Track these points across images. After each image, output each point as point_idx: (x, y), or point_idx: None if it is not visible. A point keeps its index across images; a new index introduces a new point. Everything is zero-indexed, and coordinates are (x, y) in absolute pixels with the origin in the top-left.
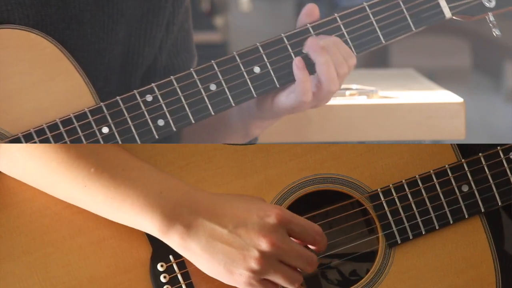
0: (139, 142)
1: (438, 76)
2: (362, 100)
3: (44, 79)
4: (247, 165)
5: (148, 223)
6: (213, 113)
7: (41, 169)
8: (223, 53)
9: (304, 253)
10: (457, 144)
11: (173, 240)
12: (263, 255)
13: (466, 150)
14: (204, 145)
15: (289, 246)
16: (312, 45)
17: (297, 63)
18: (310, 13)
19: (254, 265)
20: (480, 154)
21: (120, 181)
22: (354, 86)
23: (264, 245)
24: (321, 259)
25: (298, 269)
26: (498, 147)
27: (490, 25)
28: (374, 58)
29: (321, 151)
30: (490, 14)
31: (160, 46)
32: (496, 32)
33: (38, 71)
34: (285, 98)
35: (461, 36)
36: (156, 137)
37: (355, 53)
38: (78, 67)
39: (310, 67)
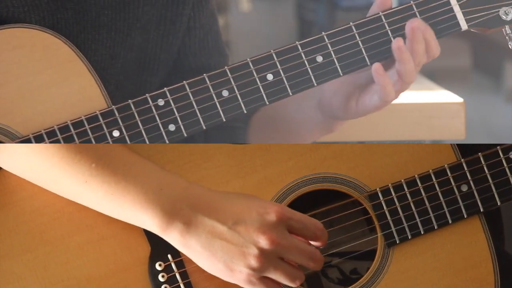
0: None
1: (438, 76)
2: None
3: (57, 79)
4: (246, 164)
5: (148, 219)
6: (224, 119)
7: (42, 165)
8: None
9: (305, 249)
10: (457, 144)
11: (173, 237)
12: (263, 253)
13: (466, 150)
14: (203, 144)
15: (289, 242)
16: (398, 48)
17: (377, 70)
18: (383, 2)
19: (253, 262)
20: (479, 153)
21: (120, 177)
22: None
23: (263, 242)
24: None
25: (301, 266)
26: (498, 147)
27: (507, 37)
28: None
29: (321, 150)
30: (507, 26)
31: (183, 50)
32: None
33: (51, 71)
34: (368, 100)
35: (461, 36)
36: (167, 142)
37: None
38: (91, 69)
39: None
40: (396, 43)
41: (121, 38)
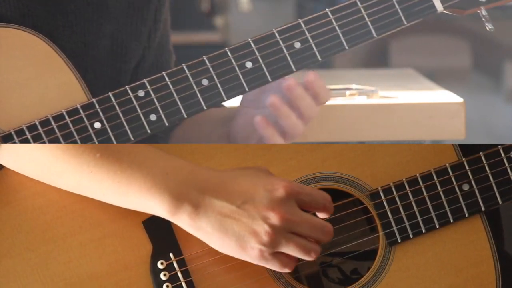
0: (131, 137)
1: (438, 76)
2: (362, 100)
3: (36, 76)
4: (248, 163)
5: (156, 205)
6: (205, 108)
7: (46, 159)
8: None
9: (317, 223)
10: (458, 144)
11: (183, 220)
12: (273, 228)
13: (467, 150)
14: (205, 144)
15: (299, 217)
16: (273, 104)
17: (259, 124)
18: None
19: (264, 238)
20: (480, 153)
21: (126, 165)
22: (354, 86)
23: (273, 218)
24: (322, 257)
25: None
26: (499, 146)
27: (483, 19)
28: (374, 58)
29: (322, 150)
30: (482, 8)
31: (148, 44)
32: (489, 26)
33: (30, 68)
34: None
35: (461, 36)
36: (149, 131)
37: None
38: (69, 64)
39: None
40: (269, 100)
41: (91, 26)
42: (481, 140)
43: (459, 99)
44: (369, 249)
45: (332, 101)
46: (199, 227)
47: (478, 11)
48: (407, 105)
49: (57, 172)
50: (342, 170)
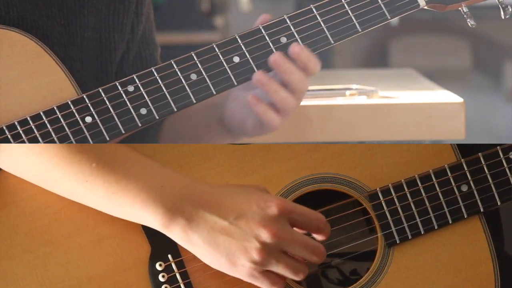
0: (122, 131)
1: (438, 76)
2: (362, 100)
3: (26, 74)
4: (246, 164)
5: (150, 217)
6: (194, 101)
7: (42, 165)
8: None
9: (308, 243)
10: (457, 144)
11: (175, 233)
12: (264, 246)
13: (466, 150)
14: (203, 144)
15: (291, 236)
16: (259, 80)
17: (251, 102)
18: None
19: (255, 256)
20: (479, 153)
21: (121, 176)
22: (354, 86)
23: (265, 235)
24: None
25: (304, 260)
26: (498, 147)
27: (465, 16)
28: (374, 58)
29: (321, 151)
30: (463, 4)
31: (132, 36)
32: (471, 22)
33: (20, 66)
34: (259, 129)
35: (461, 36)
36: (139, 125)
37: (317, 56)
38: (59, 62)
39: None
40: (255, 77)
41: (74, 16)
42: (481, 140)
43: (459, 99)
44: (368, 250)
45: (332, 101)
46: (191, 241)
47: (459, 8)
48: (407, 105)
49: (53, 180)
50: (341, 171)
